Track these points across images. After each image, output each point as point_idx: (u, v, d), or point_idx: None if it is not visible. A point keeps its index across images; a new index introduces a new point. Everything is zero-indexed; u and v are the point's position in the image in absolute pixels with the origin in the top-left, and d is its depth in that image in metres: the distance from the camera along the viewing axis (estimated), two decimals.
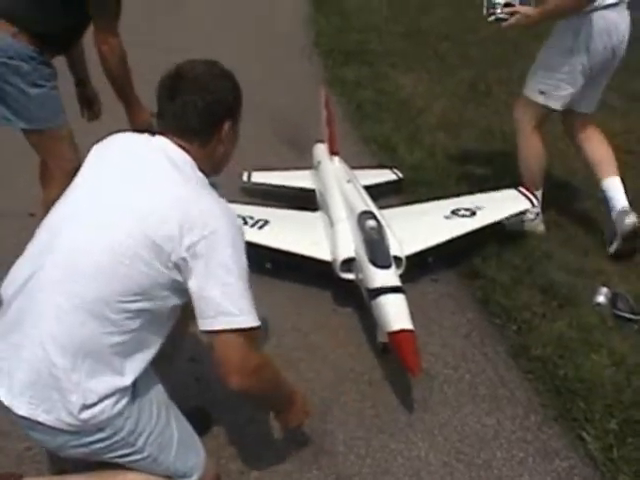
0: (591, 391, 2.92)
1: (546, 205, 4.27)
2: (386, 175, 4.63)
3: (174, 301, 2.01)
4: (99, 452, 2.01)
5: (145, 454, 2.07)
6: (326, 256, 3.45)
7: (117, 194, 1.98)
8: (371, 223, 3.34)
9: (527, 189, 4.05)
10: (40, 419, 1.91)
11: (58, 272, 1.92)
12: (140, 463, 2.09)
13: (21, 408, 1.92)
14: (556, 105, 3.96)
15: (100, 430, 1.95)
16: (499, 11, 3.81)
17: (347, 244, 3.37)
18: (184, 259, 1.91)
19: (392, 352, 2.95)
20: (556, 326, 3.33)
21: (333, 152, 4.18)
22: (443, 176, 4.75)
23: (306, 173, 4.39)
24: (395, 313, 2.91)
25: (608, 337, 3.27)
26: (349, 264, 3.32)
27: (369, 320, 3.22)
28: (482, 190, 4.16)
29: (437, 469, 2.59)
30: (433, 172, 4.82)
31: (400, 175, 4.66)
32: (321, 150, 4.31)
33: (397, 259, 3.27)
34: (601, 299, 3.55)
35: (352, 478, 2.55)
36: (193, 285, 1.94)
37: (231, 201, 2.14)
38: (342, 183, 3.84)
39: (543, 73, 3.94)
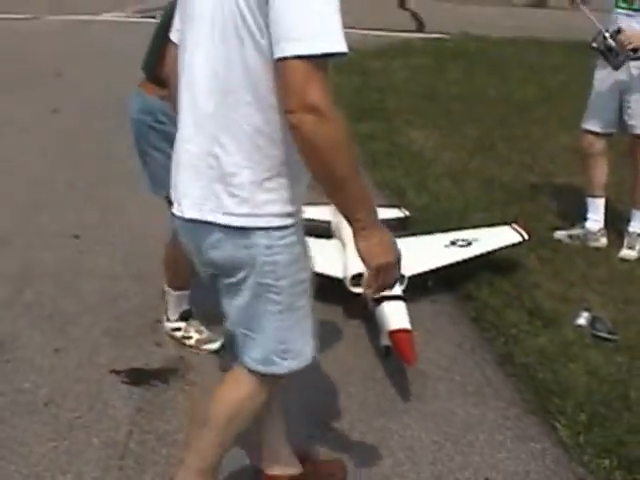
0: (565, 391, 3.35)
1: (538, 243, 4.75)
2: (394, 213, 5.10)
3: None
4: (246, 265, 2.04)
5: (281, 298, 2.10)
6: (338, 274, 3.92)
7: None
8: None
9: (519, 225, 4.52)
10: (209, 218, 2.01)
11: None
12: (269, 309, 2.11)
13: (188, 211, 2.06)
14: None
15: (260, 235, 2.01)
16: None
17: (357, 261, 3.82)
18: None
19: (393, 352, 3.40)
20: (539, 340, 3.77)
21: None
22: (445, 217, 5.21)
23: (324, 208, 4.86)
24: (395, 316, 3.39)
25: (585, 352, 3.70)
26: (358, 279, 3.79)
27: (374, 329, 3.67)
28: (479, 226, 4.64)
29: (427, 445, 3.03)
30: (437, 213, 5.30)
31: (407, 213, 5.14)
32: None
33: (400, 276, 3.74)
34: (582, 321, 3.98)
35: (354, 449, 2.98)
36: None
37: None
38: None
39: None
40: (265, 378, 2.23)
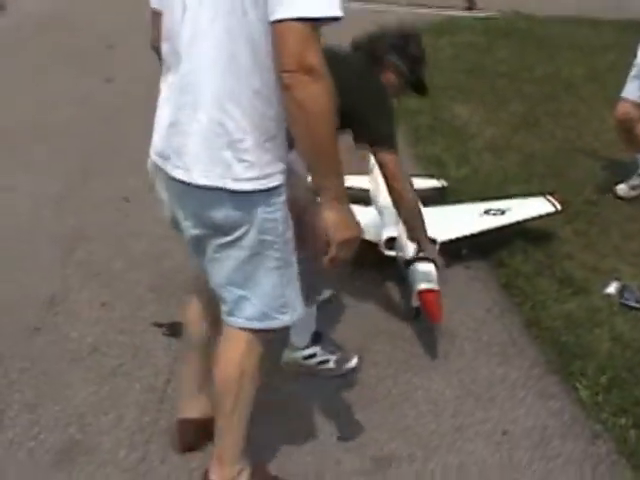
0: (588, 354, 3.46)
1: (574, 215, 4.82)
2: (432, 183, 5.21)
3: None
4: (248, 223, 2.11)
5: (280, 254, 2.19)
6: (374, 238, 4.05)
7: None
8: None
9: (554, 197, 4.60)
10: (219, 184, 2.06)
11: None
12: (268, 265, 2.19)
13: (198, 178, 2.09)
14: None
15: (262, 193, 2.10)
16: None
17: (391, 226, 3.98)
18: None
19: (421, 312, 3.54)
20: (566, 307, 3.88)
21: None
22: (483, 189, 5.30)
23: (364, 178, 5.00)
24: (424, 276, 3.52)
25: (612, 319, 3.80)
26: (392, 243, 3.92)
27: (405, 290, 3.81)
28: (514, 197, 4.74)
29: (450, 400, 3.17)
30: (475, 185, 5.38)
31: (444, 184, 5.24)
32: None
33: (432, 241, 3.88)
34: (611, 290, 4.07)
35: (380, 401, 3.14)
36: None
37: None
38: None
39: None
40: (260, 334, 2.31)
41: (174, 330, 3.50)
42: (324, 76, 1.87)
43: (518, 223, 4.42)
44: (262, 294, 2.22)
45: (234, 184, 2.05)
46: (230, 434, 2.46)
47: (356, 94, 3.08)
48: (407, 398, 3.18)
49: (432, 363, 3.42)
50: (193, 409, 2.76)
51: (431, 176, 5.36)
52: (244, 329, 2.29)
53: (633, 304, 3.96)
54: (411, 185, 3.48)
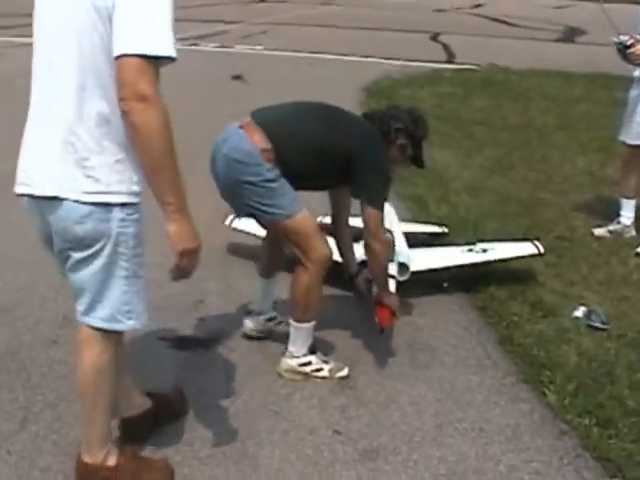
0: (557, 366, 3.82)
1: (546, 250, 5.21)
2: (434, 229, 5.60)
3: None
4: (104, 235, 2.41)
5: (129, 265, 2.48)
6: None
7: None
8: (387, 236, 4.34)
9: (540, 242, 4.95)
10: (70, 196, 2.34)
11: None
12: (119, 274, 2.48)
13: (47, 189, 2.36)
14: None
15: (117, 210, 2.39)
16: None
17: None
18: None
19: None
20: (537, 327, 4.25)
21: None
22: (462, 226, 5.71)
23: None
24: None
25: (579, 338, 4.17)
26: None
27: None
28: (502, 240, 5.10)
29: (432, 402, 3.52)
30: (455, 222, 5.79)
31: (445, 230, 5.59)
32: None
33: (404, 266, 4.27)
34: (579, 313, 4.44)
35: (368, 404, 3.49)
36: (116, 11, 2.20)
37: None
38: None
39: None
40: (109, 335, 2.59)
41: (179, 344, 3.87)
42: (157, 104, 2.19)
43: (500, 261, 4.81)
44: (112, 298, 2.51)
45: (83, 196, 2.34)
46: (95, 424, 2.73)
47: (362, 152, 3.51)
48: (393, 400, 3.52)
49: (415, 372, 3.78)
50: (130, 407, 3.05)
51: (434, 223, 5.69)
52: (96, 330, 2.57)
53: (599, 325, 4.32)
54: (387, 248, 3.78)
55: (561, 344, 4.06)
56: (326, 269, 3.48)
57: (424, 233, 5.49)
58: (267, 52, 16.07)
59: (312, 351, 3.67)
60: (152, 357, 3.80)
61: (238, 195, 3.42)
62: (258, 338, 3.99)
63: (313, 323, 3.60)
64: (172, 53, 2.21)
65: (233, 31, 20.28)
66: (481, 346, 4.07)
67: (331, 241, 3.86)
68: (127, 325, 2.59)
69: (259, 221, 3.60)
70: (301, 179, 3.44)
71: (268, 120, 3.44)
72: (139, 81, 2.15)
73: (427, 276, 4.62)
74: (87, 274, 2.48)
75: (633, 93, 5.63)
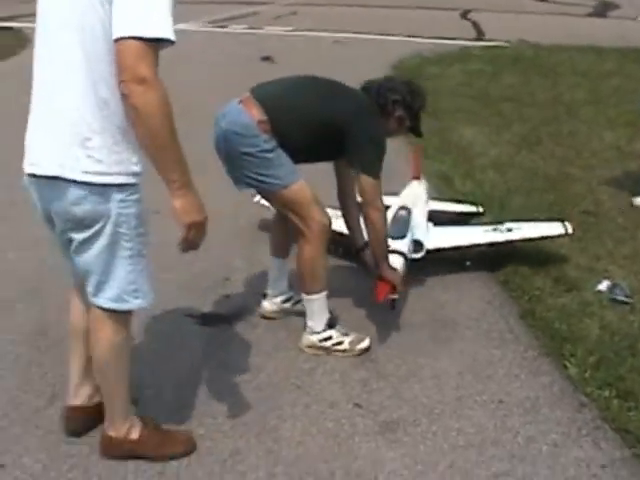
0: (579, 339, 3.83)
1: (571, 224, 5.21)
2: (472, 208, 5.52)
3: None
4: (102, 217, 2.44)
5: (131, 245, 2.53)
6: None
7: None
8: (402, 212, 4.44)
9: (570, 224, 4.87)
10: (70, 176, 2.37)
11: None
12: (122, 254, 2.52)
13: (51, 168, 2.40)
14: None
15: (115, 190, 2.43)
16: None
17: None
18: None
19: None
20: (560, 301, 4.26)
21: (413, 177, 5.24)
22: (487, 201, 5.71)
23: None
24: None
25: (602, 311, 4.17)
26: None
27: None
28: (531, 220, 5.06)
29: (453, 376, 3.56)
30: (479, 198, 5.79)
31: (480, 210, 5.50)
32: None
33: (419, 243, 4.31)
34: (602, 287, 4.45)
35: (389, 377, 3.53)
36: None
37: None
38: (407, 193, 4.90)
39: None
40: (119, 315, 2.64)
41: (205, 320, 3.98)
42: (157, 86, 2.22)
43: (525, 240, 4.77)
44: (118, 279, 2.56)
45: (83, 176, 2.37)
46: (116, 399, 2.81)
47: (357, 124, 3.55)
48: (414, 374, 3.56)
49: (437, 346, 3.81)
50: (78, 396, 3.00)
51: (472, 203, 5.61)
52: (106, 310, 2.62)
53: (622, 298, 4.32)
54: (385, 217, 3.79)
55: (583, 317, 4.06)
56: (327, 238, 3.57)
57: (459, 212, 5.46)
58: (297, 33, 16.08)
59: (331, 325, 3.72)
60: (179, 333, 3.88)
61: (238, 167, 3.51)
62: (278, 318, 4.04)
63: (325, 293, 3.66)
64: (170, 36, 2.24)
65: (263, 12, 20.29)
66: (503, 320, 4.09)
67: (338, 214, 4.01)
68: (134, 304, 2.64)
69: (260, 193, 3.73)
70: (300, 152, 3.52)
71: (267, 95, 3.53)
72: (138, 64, 2.19)
73: (450, 254, 4.65)
74: (91, 255, 2.52)
75: None
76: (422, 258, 4.37)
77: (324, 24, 17.10)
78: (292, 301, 4.01)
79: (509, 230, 4.78)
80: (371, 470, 2.92)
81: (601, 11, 22.55)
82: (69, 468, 2.87)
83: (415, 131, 3.88)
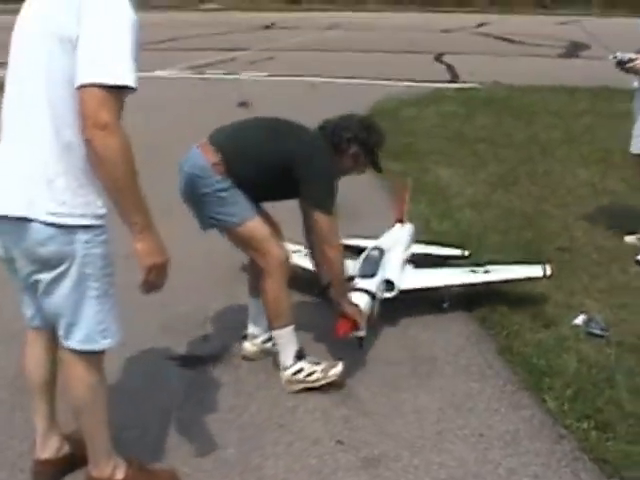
0: (557, 373, 3.88)
1: (547, 261, 5.28)
2: (455, 252, 5.52)
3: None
4: (67, 257, 2.47)
5: (98, 285, 2.54)
6: None
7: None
8: (373, 252, 4.50)
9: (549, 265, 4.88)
10: (31, 216, 2.40)
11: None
12: (89, 294, 2.54)
13: (17, 210, 2.42)
14: None
15: (81, 232, 2.46)
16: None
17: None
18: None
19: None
20: (537, 336, 4.32)
21: (396, 220, 5.33)
22: (464, 240, 5.78)
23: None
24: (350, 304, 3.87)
25: (579, 345, 4.23)
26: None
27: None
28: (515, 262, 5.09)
29: (433, 410, 3.60)
30: (456, 237, 5.86)
31: (465, 253, 5.51)
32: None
33: (390, 283, 4.36)
34: (578, 321, 4.51)
35: (370, 413, 3.57)
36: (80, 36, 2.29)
37: None
38: (387, 236, 4.98)
39: None
40: (91, 356, 2.65)
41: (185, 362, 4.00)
42: (118, 131, 2.28)
43: (502, 282, 4.83)
44: (86, 319, 2.57)
45: (48, 217, 2.41)
46: (97, 438, 2.81)
47: (307, 163, 3.66)
48: (395, 409, 3.60)
49: (417, 382, 3.86)
50: (46, 450, 2.98)
51: (458, 246, 5.60)
52: (77, 352, 2.63)
53: (598, 332, 4.38)
54: (342, 254, 3.81)
55: (561, 352, 4.12)
56: (287, 272, 3.68)
57: (443, 256, 5.47)
58: (273, 78, 16.25)
59: (300, 356, 3.76)
60: (160, 375, 3.90)
61: (200, 208, 3.67)
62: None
63: (291, 327, 3.74)
64: (131, 83, 2.30)
65: (240, 58, 20.52)
66: (482, 356, 4.14)
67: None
68: (103, 344, 2.65)
69: (221, 232, 3.80)
70: (258, 190, 3.68)
71: (222, 138, 3.72)
72: (100, 110, 2.25)
73: (428, 294, 4.70)
74: (60, 296, 2.54)
75: (637, 104, 5.66)
76: (396, 298, 4.39)
77: (300, 69, 17.31)
78: (273, 341, 4.03)
79: (487, 272, 4.83)
80: None
81: (572, 52, 22.99)
82: None
83: (375, 166, 3.97)
